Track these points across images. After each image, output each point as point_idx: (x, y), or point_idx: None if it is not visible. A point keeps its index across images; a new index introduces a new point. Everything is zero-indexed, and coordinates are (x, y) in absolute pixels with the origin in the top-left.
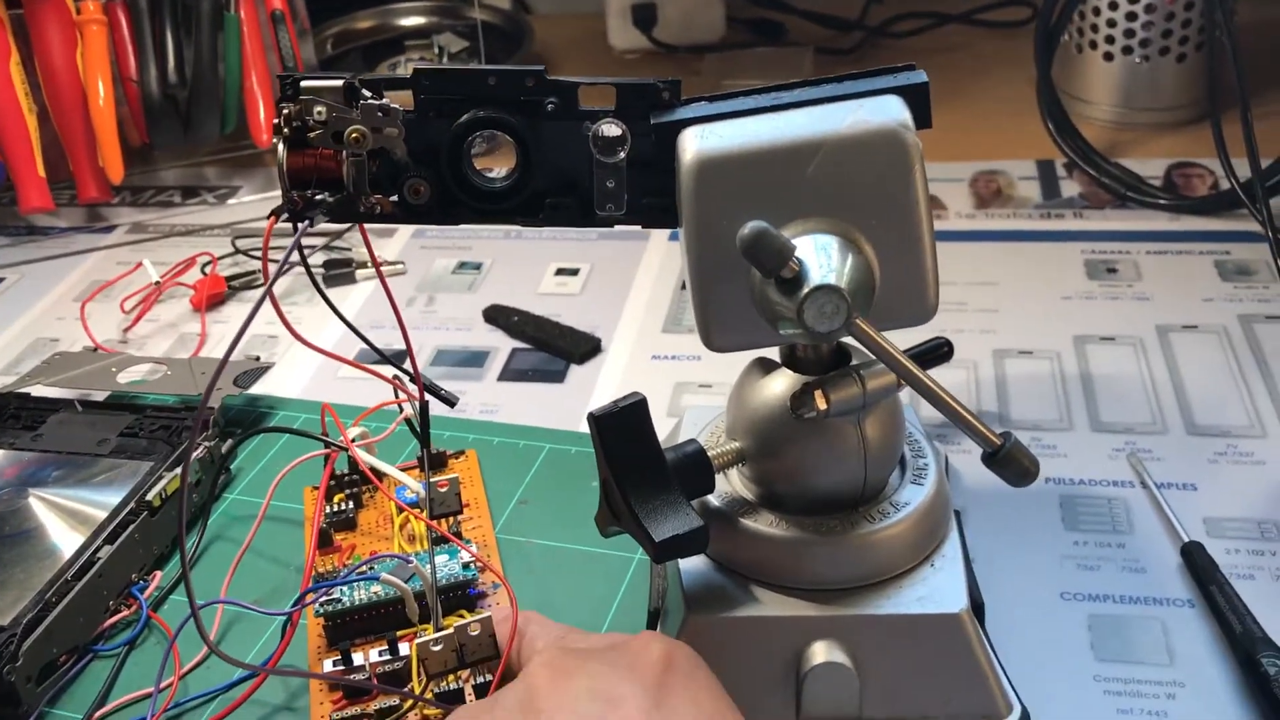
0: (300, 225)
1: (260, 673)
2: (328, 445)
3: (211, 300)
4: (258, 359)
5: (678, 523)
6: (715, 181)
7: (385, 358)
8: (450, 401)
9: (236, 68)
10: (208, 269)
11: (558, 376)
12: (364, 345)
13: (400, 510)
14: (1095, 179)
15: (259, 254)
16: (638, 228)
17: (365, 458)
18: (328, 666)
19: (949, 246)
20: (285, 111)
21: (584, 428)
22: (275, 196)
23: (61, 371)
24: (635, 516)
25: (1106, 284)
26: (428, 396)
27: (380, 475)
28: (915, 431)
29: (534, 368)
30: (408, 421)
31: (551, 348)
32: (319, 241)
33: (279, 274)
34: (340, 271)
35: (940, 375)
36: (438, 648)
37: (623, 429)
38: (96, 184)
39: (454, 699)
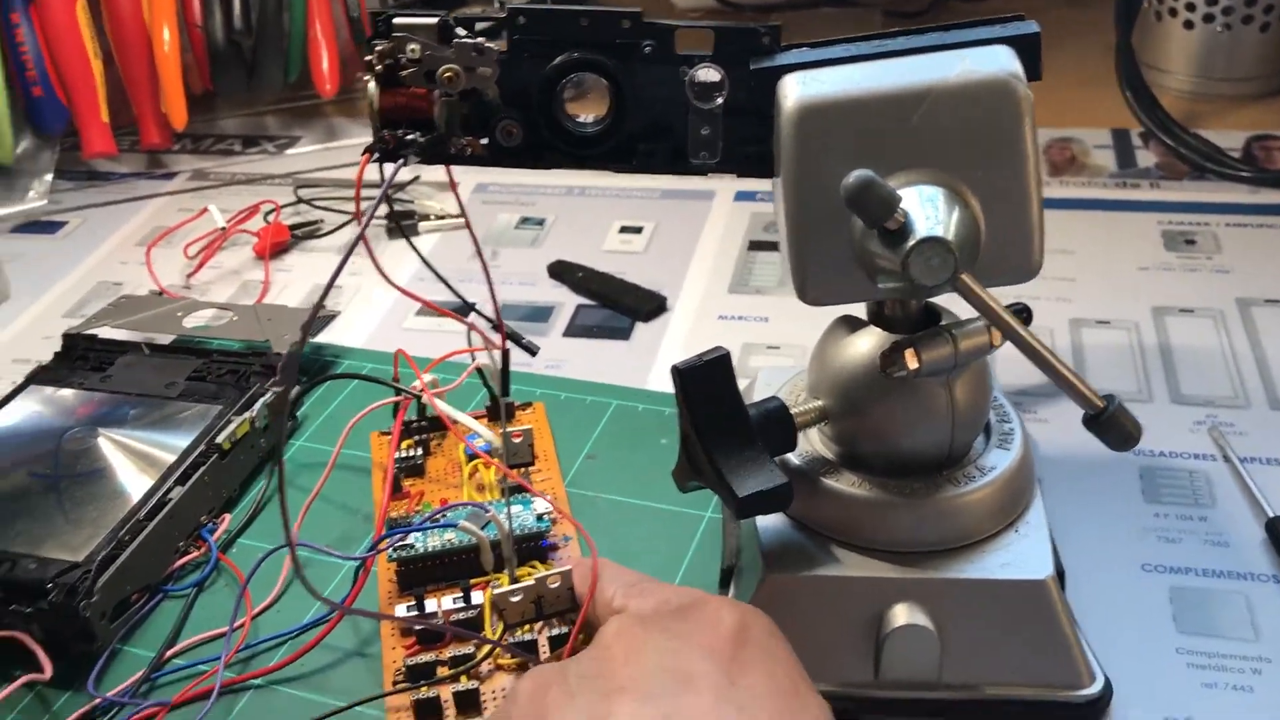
0: (393, 165)
1: (338, 611)
2: (400, 392)
3: (274, 248)
4: (324, 308)
5: (761, 479)
6: (817, 129)
7: (469, 305)
8: (532, 350)
9: (301, 16)
10: (270, 217)
11: (623, 334)
12: (432, 297)
13: (471, 459)
14: (1173, 149)
15: (322, 203)
16: (703, 187)
17: (439, 405)
18: (400, 612)
19: None
20: (378, 49)
21: (651, 385)
22: (336, 147)
23: (128, 314)
24: (718, 471)
25: (1184, 255)
26: (507, 346)
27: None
28: (1000, 397)
29: (599, 324)
30: (479, 371)
31: (617, 304)
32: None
33: (371, 214)
34: (404, 224)
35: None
36: (516, 599)
37: (706, 383)
38: (159, 130)
39: (528, 650)
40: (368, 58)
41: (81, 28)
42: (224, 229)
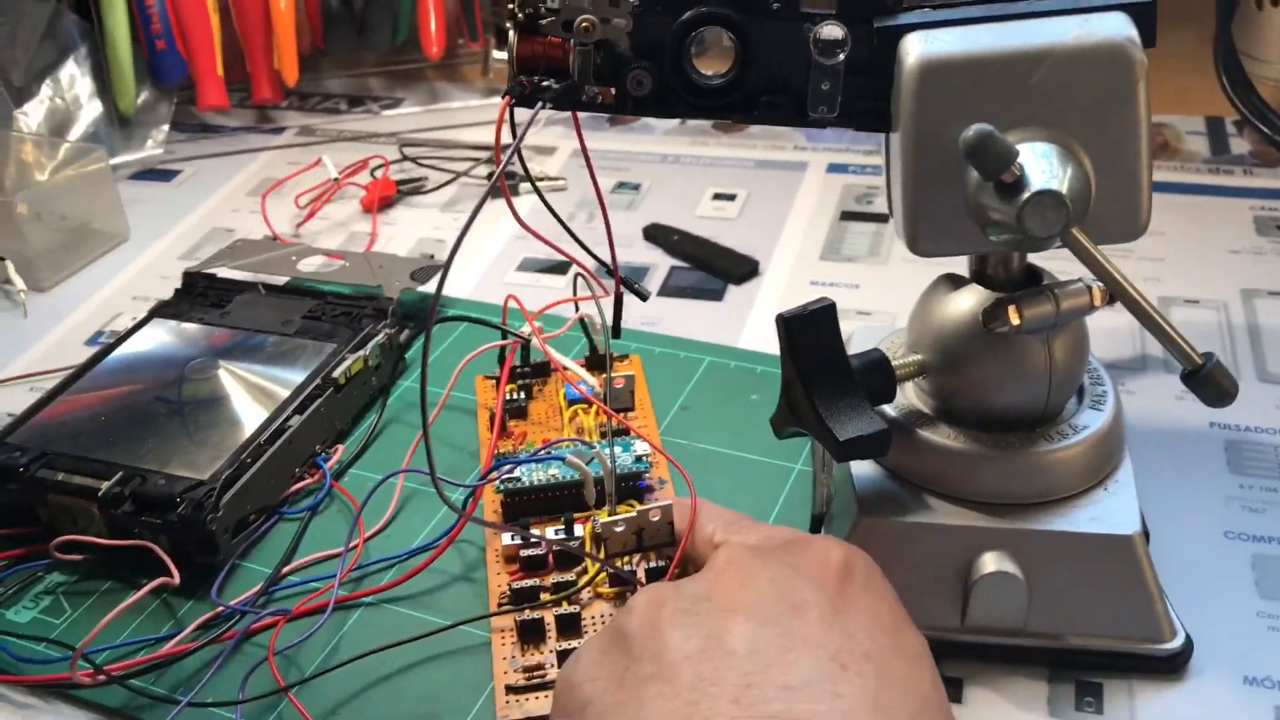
0: (529, 110)
1: (461, 518)
2: (507, 335)
3: (382, 202)
4: (431, 257)
5: (862, 424)
6: (937, 86)
7: (593, 255)
8: (643, 295)
9: None
10: (378, 172)
11: (716, 295)
12: (527, 254)
13: (572, 404)
14: (1268, 137)
15: (427, 161)
16: (796, 159)
17: (548, 349)
18: (506, 540)
19: None
20: None
21: (743, 344)
22: (438, 109)
23: (244, 257)
24: (820, 416)
25: (1276, 240)
26: (621, 291)
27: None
28: (1094, 360)
29: (693, 285)
30: (582, 321)
31: (710, 267)
32: (481, 155)
33: (509, 158)
34: (506, 184)
35: (1106, 316)
36: (619, 529)
37: (810, 332)
38: (271, 86)
39: (626, 580)
40: (509, 5)
41: None
42: (337, 179)
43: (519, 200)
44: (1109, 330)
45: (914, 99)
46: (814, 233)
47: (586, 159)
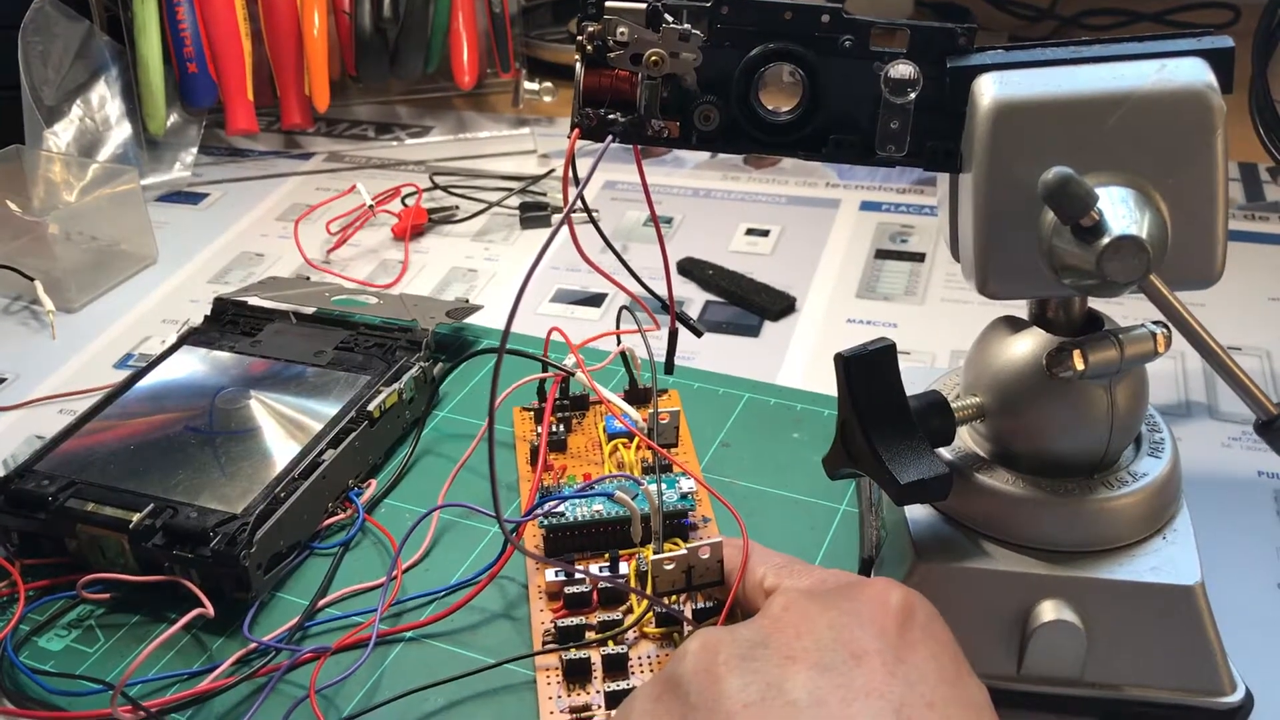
0: (600, 143)
1: (507, 549)
2: (547, 368)
3: (414, 231)
4: (466, 301)
5: (923, 467)
6: (1012, 128)
7: (648, 288)
8: (699, 332)
9: (446, 9)
10: (409, 200)
11: (752, 331)
12: (561, 286)
13: (611, 438)
14: None
15: (458, 190)
16: (828, 196)
17: (593, 382)
18: (549, 577)
19: None
20: (588, 30)
21: (782, 380)
22: (467, 139)
23: (274, 290)
24: (880, 458)
25: None
26: (676, 327)
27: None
28: (1151, 407)
29: (729, 320)
30: (624, 355)
31: (746, 303)
32: (514, 186)
33: (578, 195)
34: (536, 215)
35: (1149, 364)
36: (669, 566)
37: (870, 372)
38: (301, 111)
39: (675, 620)
40: (578, 38)
41: (236, 8)
42: (371, 207)
43: (550, 233)
44: (1154, 374)
45: (988, 141)
46: (849, 270)
47: (646, 194)
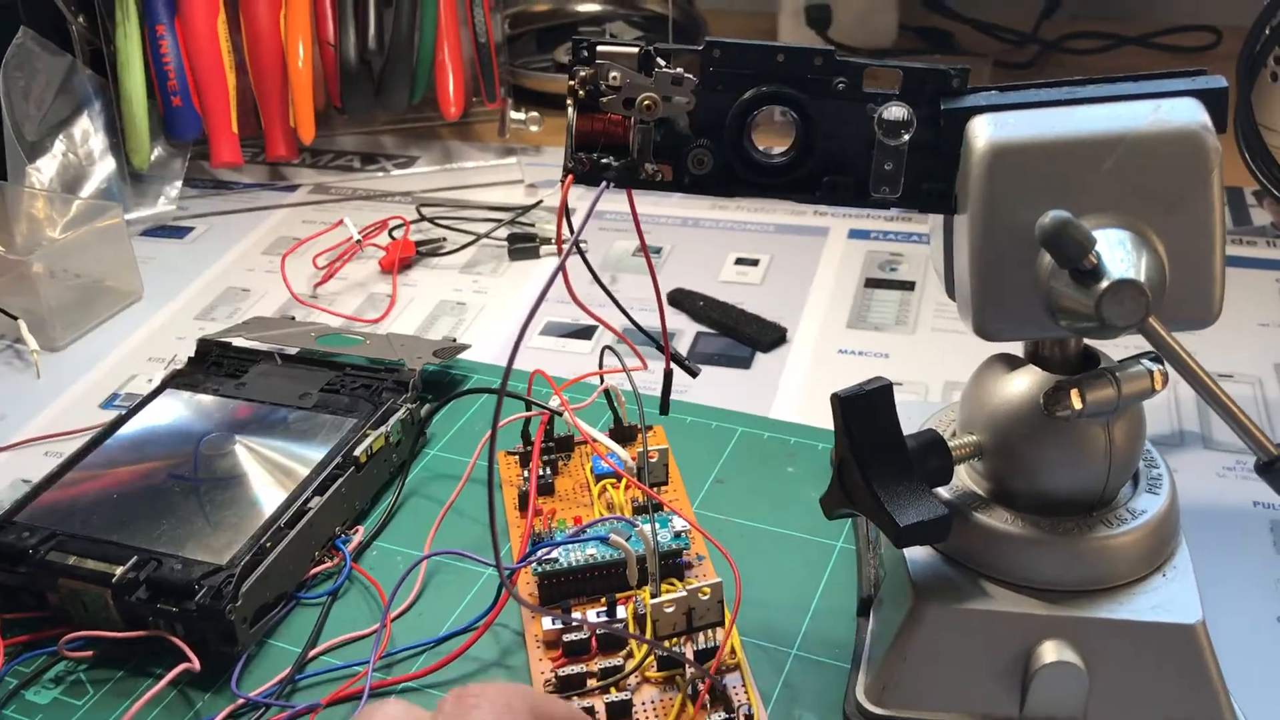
0: (595, 189)
1: (501, 597)
2: (530, 406)
3: (401, 263)
4: (454, 340)
5: (922, 509)
6: (1008, 170)
7: (643, 330)
8: (694, 372)
9: (431, 39)
10: (397, 233)
11: (744, 363)
12: (551, 319)
13: (599, 479)
14: None
15: (445, 222)
16: (817, 224)
17: (579, 422)
18: (546, 624)
19: None
20: (580, 74)
21: (775, 413)
22: (453, 169)
23: (259, 331)
24: (878, 500)
25: None
26: (670, 368)
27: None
28: (1148, 443)
29: (720, 352)
30: (607, 393)
31: (737, 334)
32: (502, 217)
33: (577, 236)
34: (524, 246)
35: None
36: (670, 609)
37: (867, 413)
38: (286, 143)
39: (675, 664)
40: (570, 83)
41: (220, 40)
42: (359, 240)
43: (539, 264)
44: (1147, 405)
45: (983, 183)
46: (839, 299)
47: (639, 231)
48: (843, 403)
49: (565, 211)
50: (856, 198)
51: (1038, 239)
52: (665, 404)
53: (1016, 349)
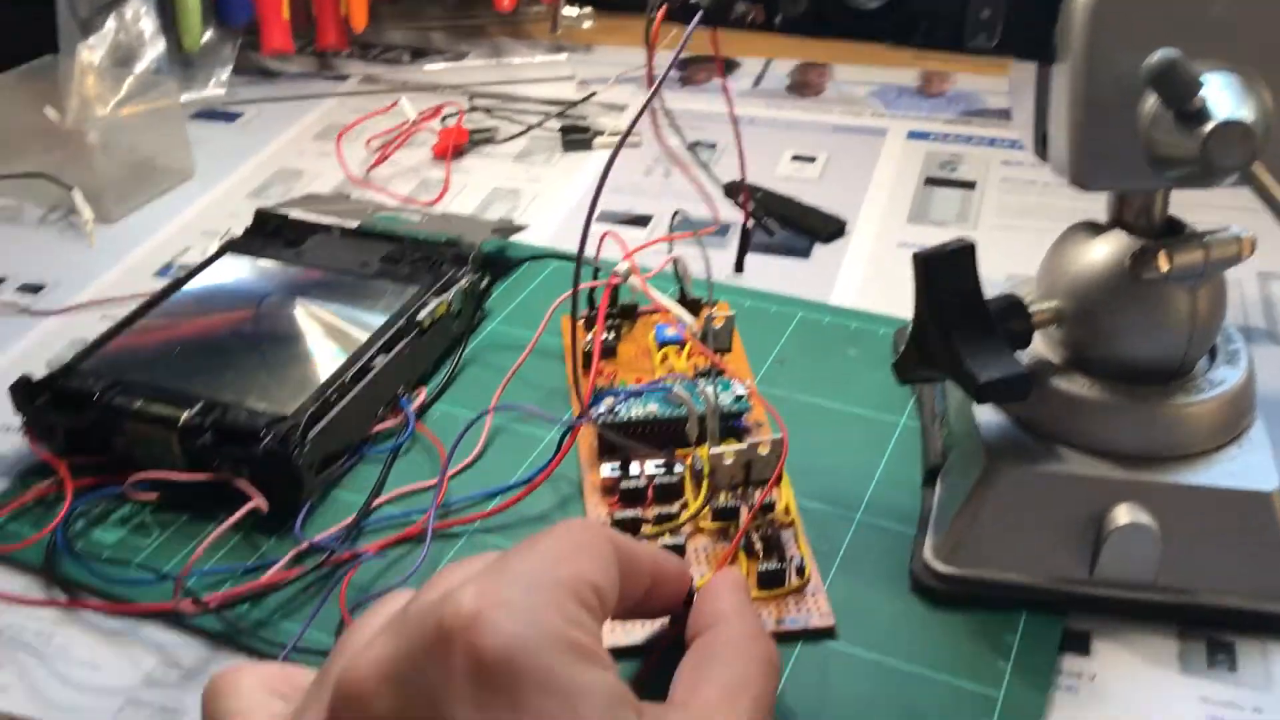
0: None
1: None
2: (598, 274)
3: (455, 150)
4: (511, 221)
5: (1002, 367)
6: (1112, 14)
7: (720, 184)
8: (770, 231)
9: None
10: (450, 120)
11: (802, 253)
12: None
13: (661, 346)
14: None
15: (499, 112)
16: (875, 125)
17: (647, 286)
18: (605, 472)
19: None
20: None
21: (835, 300)
22: (503, 64)
23: (315, 206)
24: (958, 357)
25: None
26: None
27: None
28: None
29: (778, 242)
30: (675, 263)
31: (796, 225)
32: (552, 110)
33: (665, 74)
34: (578, 138)
35: None
36: (728, 461)
37: (949, 272)
38: (337, 31)
39: (731, 515)
40: None
41: None
42: (414, 121)
43: (592, 155)
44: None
45: (1086, 28)
46: (899, 196)
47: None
48: (925, 261)
49: (652, 47)
50: (952, 44)
51: (1143, 79)
52: (741, 260)
53: (1099, 216)
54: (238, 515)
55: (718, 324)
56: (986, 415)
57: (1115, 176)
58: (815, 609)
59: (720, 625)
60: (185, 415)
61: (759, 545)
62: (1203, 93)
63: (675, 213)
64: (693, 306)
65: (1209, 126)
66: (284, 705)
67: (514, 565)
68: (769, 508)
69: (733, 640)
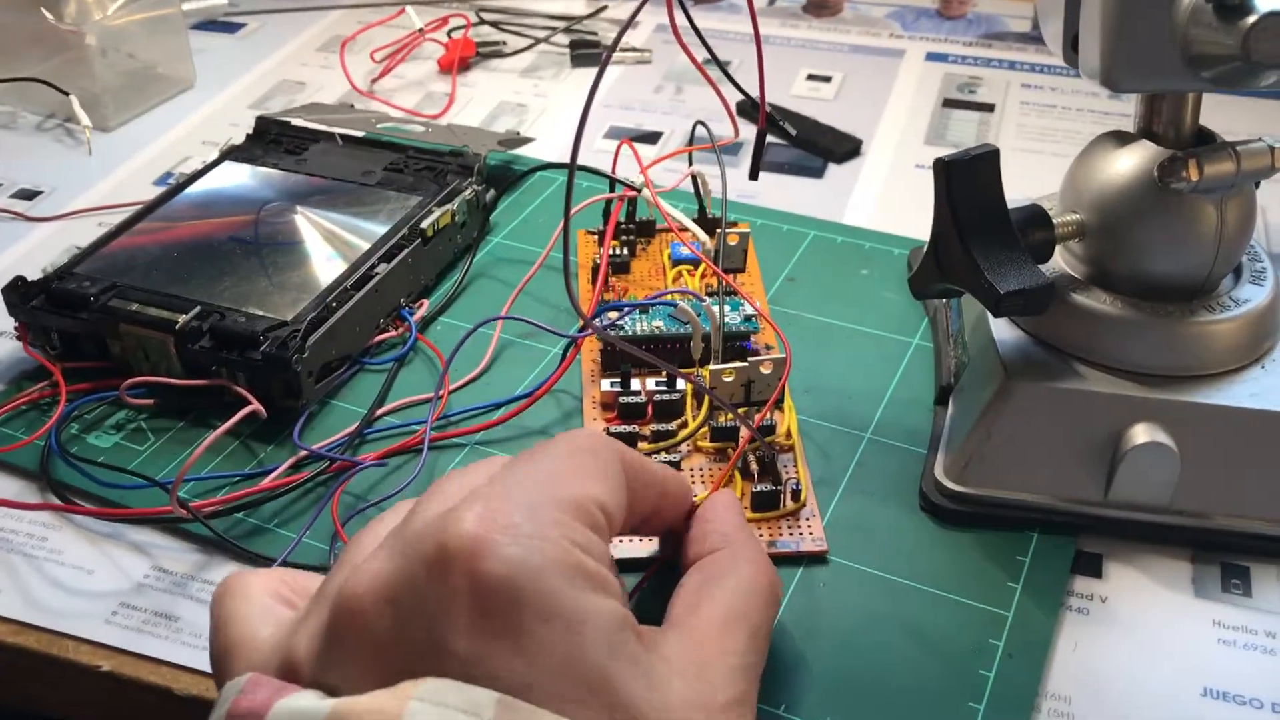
0: None
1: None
2: (614, 186)
3: (461, 63)
4: (518, 134)
5: (1023, 278)
6: None
7: (741, 89)
8: (789, 134)
9: None
10: (457, 33)
11: (816, 173)
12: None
13: (676, 264)
14: None
15: (507, 26)
16: (892, 46)
17: (659, 201)
18: (604, 387)
19: (1225, 99)
20: None
21: (848, 220)
22: None
23: (318, 115)
24: (978, 268)
25: None
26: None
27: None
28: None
29: (791, 162)
30: (694, 178)
31: (810, 144)
32: (559, 25)
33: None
34: (587, 52)
35: None
36: (729, 379)
37: (971, 179)
38: None
39: (731, 436)
40: None
41: None
42: (421, 30)
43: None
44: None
45: None
46: (916, 117)
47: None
48: (947, 166)
49: None
50: None
51: None
52: (756, 168)
53: (1127, 126)
54: (234, 419)
55: (732, 241)
56: (1003, 331)
57: (1149, 77)
58: (809, 533)
59: (726, 550)
60: (183, 319)
61: (755, 467)
62: None
63: (696, 123)
64: (710, 226)
65: (1251, 19)
66: (290, 612)
67: (518, 482)
68: (768, 429)
69: (737, 566)
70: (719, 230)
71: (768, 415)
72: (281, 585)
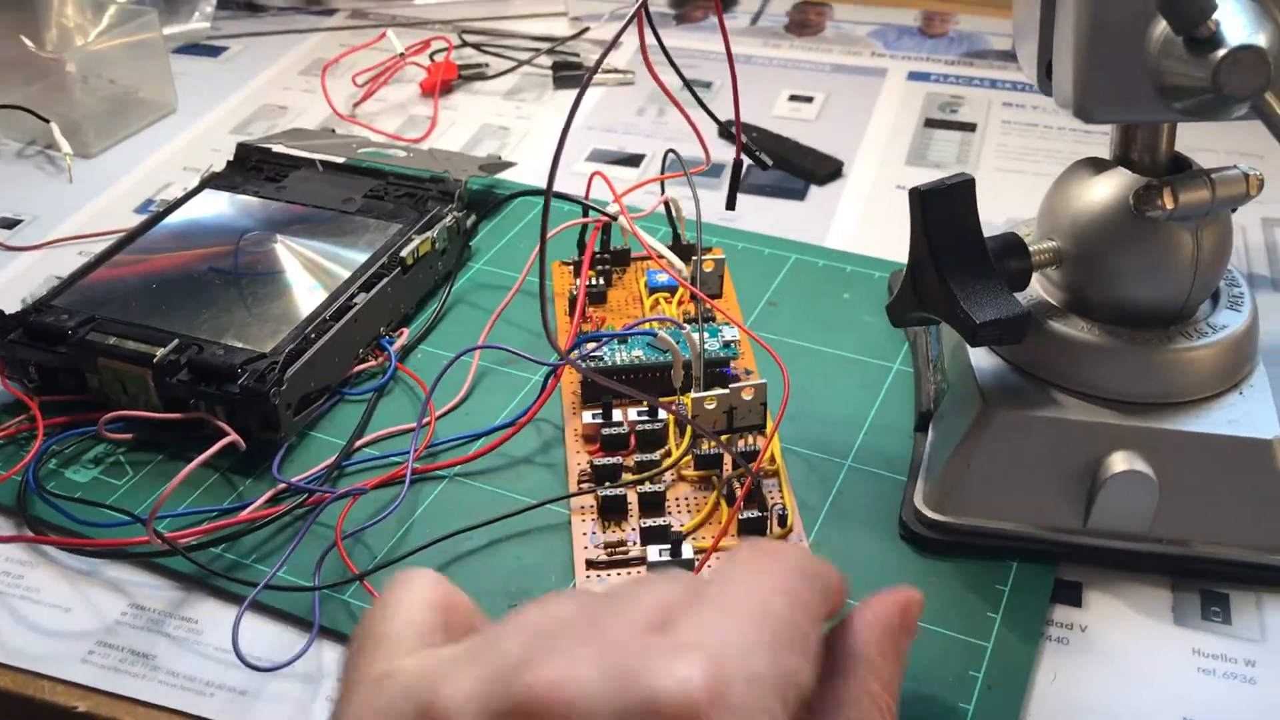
0: None
1: (564, 362)
2: (588, 213)
3: (443, 86)
4: (499, 158)
5: (999, 307)
6: None
7: (717, 120)
8: (764, 165)
9: None
10: (439, 56)
11: (798, 195)
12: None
13: (653, 292)
14: None
15: (490, 49)
16: (874, 65)
17: (636, 229)
18: (586, 419)
19: None
20: None
21: (830, 243)
22: (497, 3)
23: (299, 140)
24: (954, 298)
25: None
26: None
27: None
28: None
29: (773, 184)
30: (667, 205)
31: (792, 166)
32: (542, 46)
33: (628, 24)
34: (569, 74)
35: None
36: (710, 406)
37: (946, 208)
38: None
39: (714, 464)
40: None
41: None
42: (402, 55)
43: (585, 94)
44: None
45: None
46: (898, 138)
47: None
48: (923, 196)
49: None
50: None
51: (1153, 2)
52: (733, 197)
53: (1103, 153)
54: (211, 450)
55: (708, 268)
56: (981, 359)
57: (1121, 107)
58: None
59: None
60: (160, 353)
61: (741, 496)
62: (1214, 17)
63: (668, 152)
64: (686, 251)
65: (1221, 53)
66: (442, 637)
67: (734, 628)
68: (752, 455)
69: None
70: (694, 258)
71: (752, 441)
72: (445, 600)
